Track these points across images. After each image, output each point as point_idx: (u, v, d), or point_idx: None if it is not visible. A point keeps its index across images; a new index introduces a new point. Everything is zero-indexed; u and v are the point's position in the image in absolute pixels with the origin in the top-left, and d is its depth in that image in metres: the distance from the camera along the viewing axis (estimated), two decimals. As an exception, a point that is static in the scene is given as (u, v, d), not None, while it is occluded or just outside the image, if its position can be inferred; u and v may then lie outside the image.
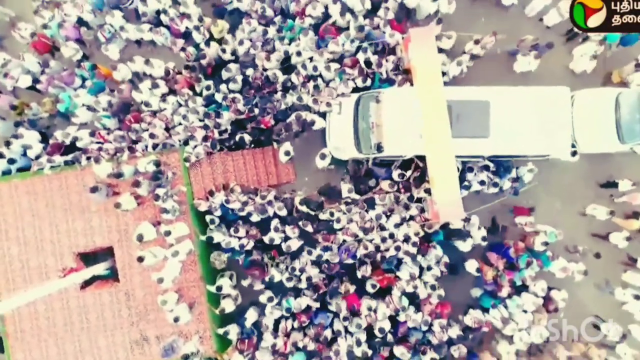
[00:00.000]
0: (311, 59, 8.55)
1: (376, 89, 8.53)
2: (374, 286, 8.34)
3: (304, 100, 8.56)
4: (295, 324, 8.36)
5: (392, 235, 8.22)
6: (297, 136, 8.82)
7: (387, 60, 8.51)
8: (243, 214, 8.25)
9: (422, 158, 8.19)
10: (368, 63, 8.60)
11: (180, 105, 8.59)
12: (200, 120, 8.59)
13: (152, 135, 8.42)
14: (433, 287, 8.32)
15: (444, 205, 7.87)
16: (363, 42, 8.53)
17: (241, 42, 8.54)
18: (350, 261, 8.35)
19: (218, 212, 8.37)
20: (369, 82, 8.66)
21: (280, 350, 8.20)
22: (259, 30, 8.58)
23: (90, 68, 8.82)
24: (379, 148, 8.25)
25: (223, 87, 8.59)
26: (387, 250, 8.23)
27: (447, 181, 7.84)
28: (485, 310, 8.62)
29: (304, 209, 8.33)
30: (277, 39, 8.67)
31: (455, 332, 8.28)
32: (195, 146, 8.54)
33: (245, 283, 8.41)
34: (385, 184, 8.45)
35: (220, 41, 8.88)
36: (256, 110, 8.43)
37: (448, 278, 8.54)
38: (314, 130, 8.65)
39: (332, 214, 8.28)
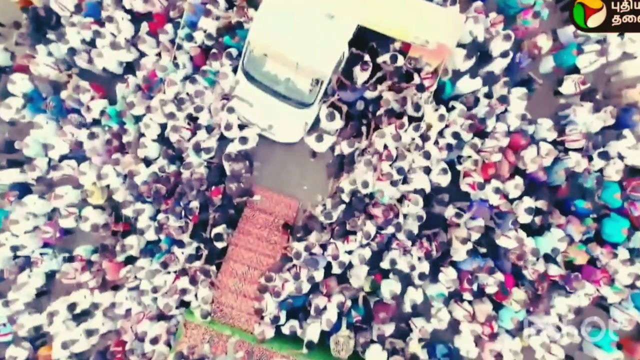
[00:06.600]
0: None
1: (242, 47, 6.49)
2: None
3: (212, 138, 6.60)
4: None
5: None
6: (251, 172, 6.82)
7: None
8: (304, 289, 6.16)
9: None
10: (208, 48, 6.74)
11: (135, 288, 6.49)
12: (168, 273, 6.46)
13: (153, 341, 6.21)
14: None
15: (439, 33, 6.01)
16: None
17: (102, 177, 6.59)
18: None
19: (283, 315, 6.18)
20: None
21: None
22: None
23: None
24: (318, 81, 6.26)
25: (142, 224, 6.53)
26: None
27: (412, 10, 6.02)
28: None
29: (340, 209, 6.31)
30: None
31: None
32: (195, 295, 6.42)
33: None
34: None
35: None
36: (195, 204, 6.44)
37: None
38: (259, 152, 6.93)
39: (342, 190, 6.35)
